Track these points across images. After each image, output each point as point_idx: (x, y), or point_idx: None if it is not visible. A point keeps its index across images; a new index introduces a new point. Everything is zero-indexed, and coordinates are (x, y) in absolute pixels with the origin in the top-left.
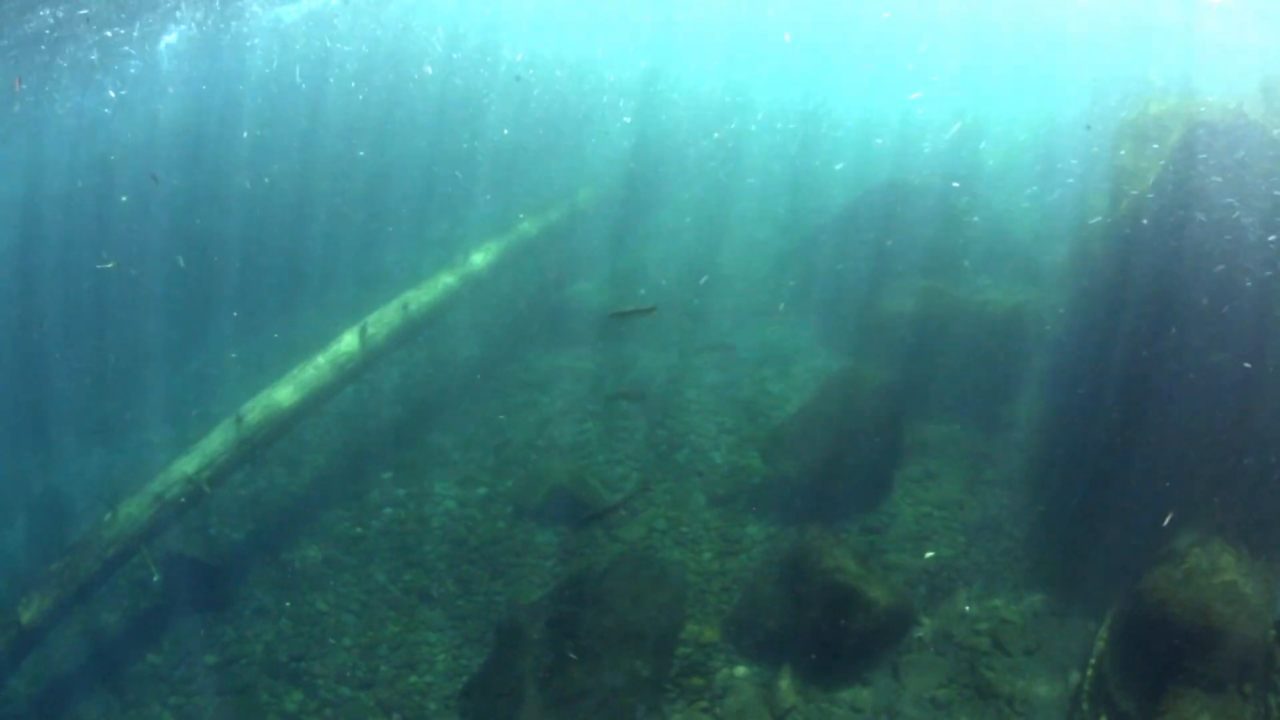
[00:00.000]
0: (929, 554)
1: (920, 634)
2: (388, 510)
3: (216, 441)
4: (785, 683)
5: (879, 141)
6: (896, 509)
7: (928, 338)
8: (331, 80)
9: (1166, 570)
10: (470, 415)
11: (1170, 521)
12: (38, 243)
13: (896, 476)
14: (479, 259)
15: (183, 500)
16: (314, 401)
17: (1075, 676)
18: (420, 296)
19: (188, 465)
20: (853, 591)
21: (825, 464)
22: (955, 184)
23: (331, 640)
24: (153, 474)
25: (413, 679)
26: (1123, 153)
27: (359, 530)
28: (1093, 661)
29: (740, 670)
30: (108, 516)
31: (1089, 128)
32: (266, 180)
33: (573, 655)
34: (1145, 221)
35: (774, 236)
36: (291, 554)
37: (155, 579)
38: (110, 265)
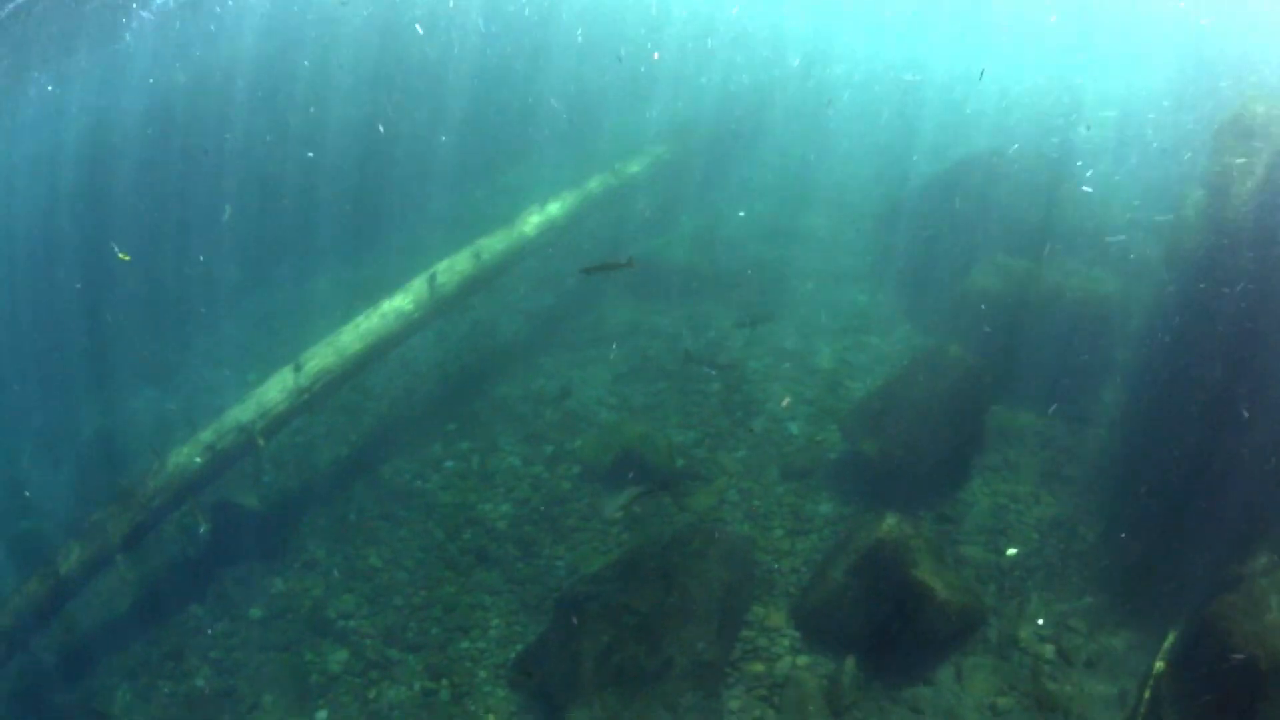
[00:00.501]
0: (1011, 551)
1: (987, 635)
2: (449, 464)
3: (273, 390)
4: (847, 678)
5: (974, 109)
6: (974, 498)
7: (1014, 320)
8: (417, 24)
9: (1233, 599)
10: (540, 369)
11: (1244, 542)
12: (102, 180)
13: (976, 464)
14: (555, 208)
15: (235, 450)
16: (378, 350)
17: (1133, 696)
18: (494, 244)
19: (242, 414)
20: (927, 591)
21: (905, 445)
22: (1050, 158)
23: (382, 598)
24: (206, 421)
25: (464, 644)
26: (1224, 149)
27: (419, 483)
28: (1150, 683)
29: (803, 660)
30: (155, 465)
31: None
32: (340, 119)
33: (633, 632)
34: (1245, 223)
35: (863, 200)
36: (347, 506)
37: (202, 530)
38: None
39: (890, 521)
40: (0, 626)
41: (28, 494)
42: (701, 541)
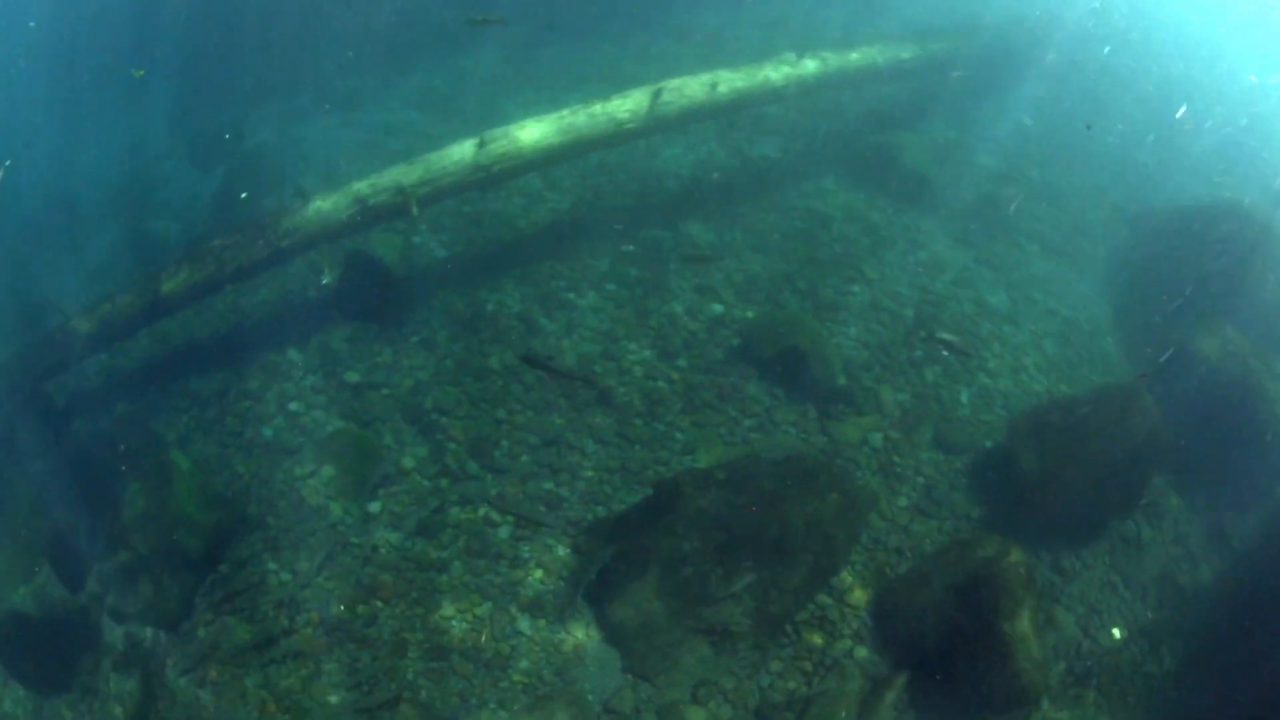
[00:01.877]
0: (1116, 631)
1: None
2: (610, 286)
3: (448, 159)
4: (891, 695)
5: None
6: (1094, 561)
7: (1220, 399)
8: None
9: None
10: (738, 221)
11: None
12: None
13: (1112, 526)
14: (811, 66)
15: (386, 209)
16: (575, 149)
17: None
18: (734, 80)
19: (406, 175)
20: (1009, 650)
21: (1063, 477)
22: None
23: (485, 405)
24: (364, 171)
25: (548, 484)
26: None
27: (570, 295)
28: None
29: (861, 652)
30: (296, 204)
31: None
32: None
33: (715, 550)
34: None
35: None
36: (489, 295)
37: (324, 280)
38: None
39: (1013, 558)
40: (82, 330)
41: (167, 198)
42: (826, 481)
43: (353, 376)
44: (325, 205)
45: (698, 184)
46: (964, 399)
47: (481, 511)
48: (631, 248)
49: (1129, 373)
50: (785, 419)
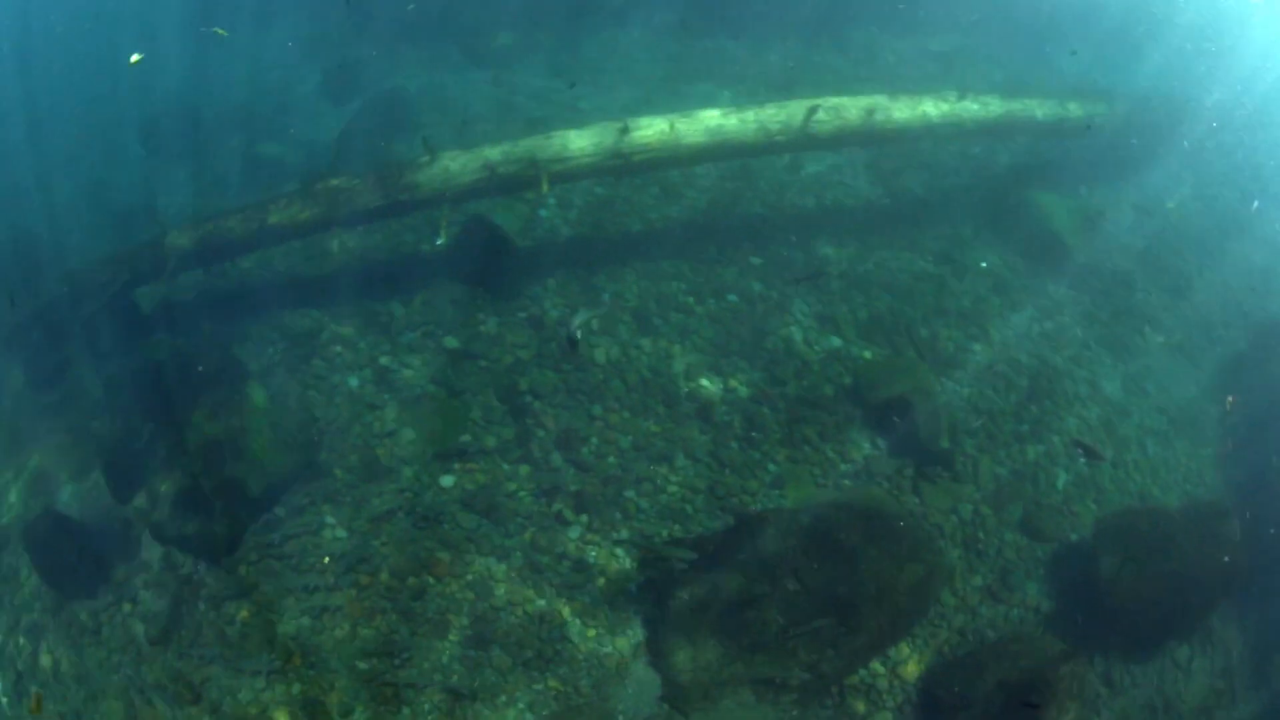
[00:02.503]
0: None
1: None
2: (731, 297)
3: (589, 139)
4: None
5: None
6: (1142, 680)
7: None
8: None
9: None
10: (871, 254)
11: None
12: None
13: (1168, 645)
14: (972, 107)
15: (515, 180)
16: (719, 151)
17: None
18: (892, 110)
19: (540, 148)
20: None
21: (1138, 585)
22: None
23: (582, 396)
24: (501, 135)
25: (629, 492)
26: None
27: (689, 299)
28: None
29: None
30: (423, 158)
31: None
32: None
33: (781, 598)
34: None
35: (1235, 319)
36: (607, 283)
37: (440, 242)
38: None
39: (1070, 667)
40: (180, 245)
41: (291, 126)
42: (908, 548)
43: (452, 342)
44: (452, 165)
45: (837, 207)
46: (1059, 485)
47: (556, 507)
48: (759, 261)
49: (1222, 488)
50: (881, 471)
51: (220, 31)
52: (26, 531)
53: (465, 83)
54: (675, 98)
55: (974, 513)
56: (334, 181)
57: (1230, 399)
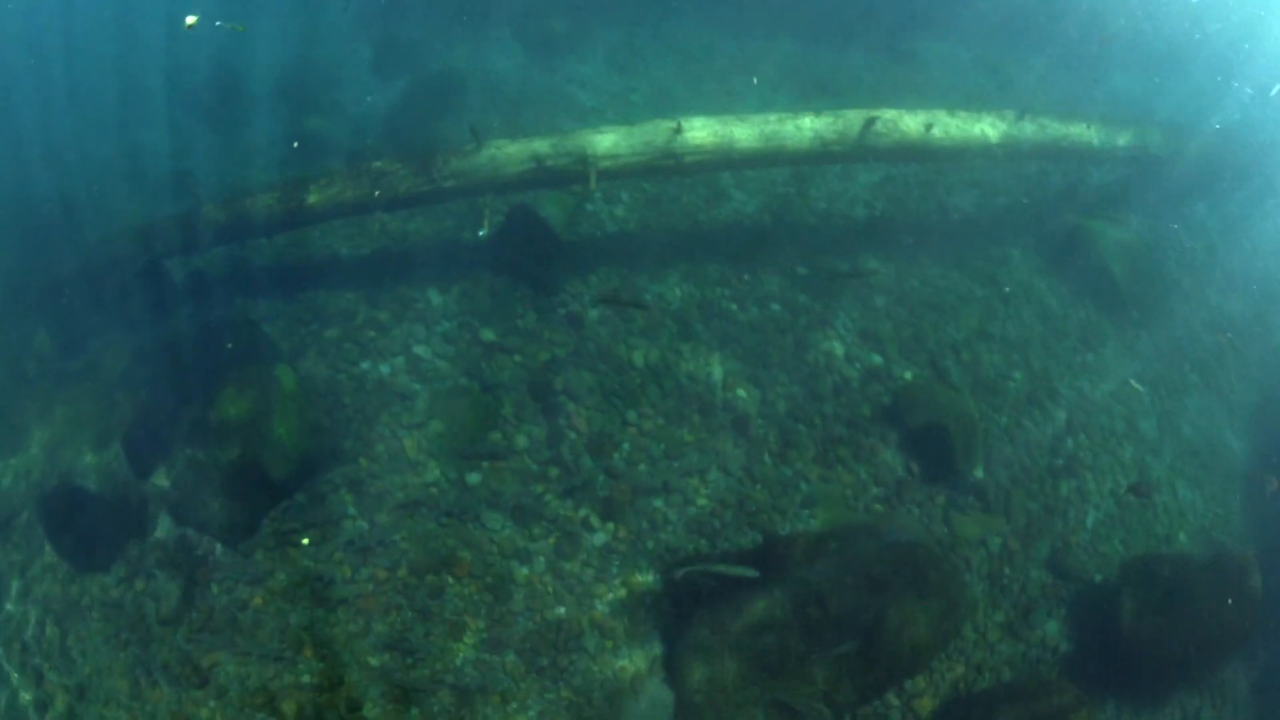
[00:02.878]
0: None
1: None
2: (775, 307)
3: (641, 137)
4: None
5: None
6: None
7: None
8: None
9: None
10: (918, 269)
11: None
12: None
13: (1181, 696)
14: (1029, 129)
15: (563, 175)
16: (772, 158)
17: None
18: (950, 126)
19: (592, 144)
20: None
21: (1158, 633)
22: None
23: (618, 400)
24: (550, 123)
25: (658, 501)
26: None
27: (732, 307)
28: None
29: None
30: (469, 146)
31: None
32: None
33: (801, 625)
34: None
35: (1273, 362)
36: (650, 284)
37: (482, 234)
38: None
39: (1082, 715)
40: (216, 219)
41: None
42: (935, 581)
43: (488, 335)
44: (499, 155)
45: (887, 220)
46: (1089, 523)
47: (583, 512)
48: (805, 271)
49: (1247, 535)
50: (913, 498)
51: (238, 27)
52: (42, 502)
53: (516, 67)
54: (729, 95)
55: (1002, 546)
56: (376, 164)
57: (1274, 482)
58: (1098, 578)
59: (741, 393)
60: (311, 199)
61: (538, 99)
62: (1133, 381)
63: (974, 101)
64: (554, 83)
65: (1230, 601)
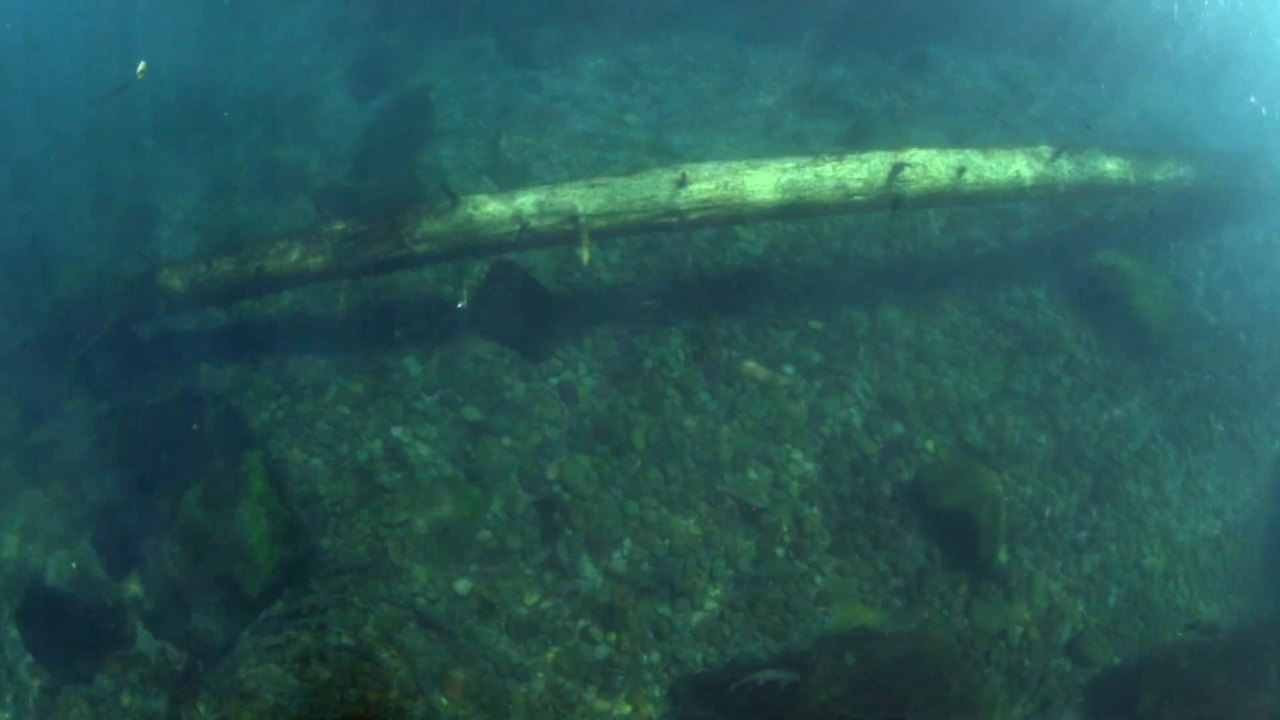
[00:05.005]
0: None
1: None
2: (788, 369)
3: (638, 191)
4: None
5: None
6: None
7: None
8: None
9: None
10: (939, 317)
11: None
12: None
13: None
14: (1066, 168)
15: (551, 236)
16: (790, 211)
17: None
18: (984, 169)
19: (584, 200)
20: None
21: None
22: None
23: (616, 489)
24: (536, 182)
25: (662, 609)
26: None
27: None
28: None
29: None
30: (443, 204)
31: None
32: None
33: None
34: None
35: None
36: (650, 346)
37: (460, 305)
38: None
39: None
40: (173, 286)
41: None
42: (956, 688)
43: (473, 413)
44: (477, 215)
45: (906, 259)
46: (1111, 602)
47: (582, 623)
48: (820, 325)
49: (1267, 599)
50: (934, 589)
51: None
52: (20, 610)
53: (501, 84)
54: (733, 114)
55: (1023, 637)
56: (338, 226)
57: None
58: (1116, 660)
59: (752, 474)
60: (270, 266)
61: (525, 120)
62: (1159, 436)
63: (992, 116)
64: (543, 102)
65: (1248, 693)
